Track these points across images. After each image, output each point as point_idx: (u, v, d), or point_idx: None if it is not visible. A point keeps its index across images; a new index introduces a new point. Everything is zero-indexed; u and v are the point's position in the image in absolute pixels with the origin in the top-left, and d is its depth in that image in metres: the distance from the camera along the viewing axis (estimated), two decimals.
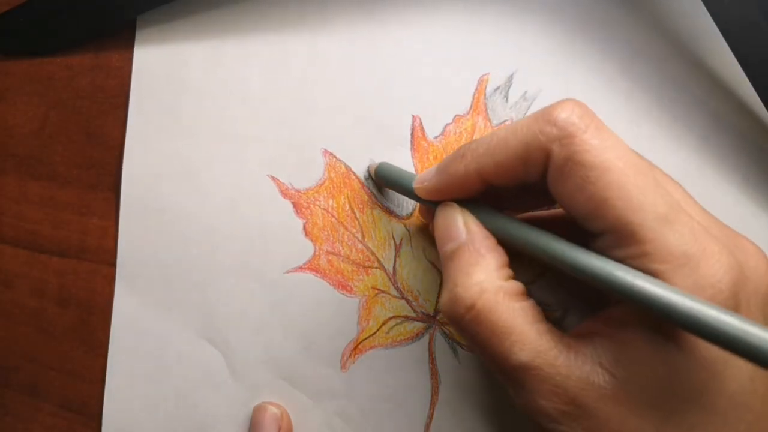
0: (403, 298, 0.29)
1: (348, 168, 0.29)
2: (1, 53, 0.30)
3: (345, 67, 0.28)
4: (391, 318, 0.29)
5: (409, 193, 0.25)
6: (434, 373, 0.29)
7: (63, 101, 0.30)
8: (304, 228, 0.29)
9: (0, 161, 0.31)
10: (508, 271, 0.21)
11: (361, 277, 0.29)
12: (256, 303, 0.29)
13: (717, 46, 0.26)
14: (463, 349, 0.29)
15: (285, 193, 0.29)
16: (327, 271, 0.29)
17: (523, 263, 0.27)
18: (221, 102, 0.29)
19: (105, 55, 0.30)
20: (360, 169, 0.29)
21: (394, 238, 0.29)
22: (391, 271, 0.29)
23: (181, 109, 0.29)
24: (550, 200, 0.25)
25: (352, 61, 0.28)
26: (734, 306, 0.19)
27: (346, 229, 0.29)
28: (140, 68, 0.29)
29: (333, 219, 0.29)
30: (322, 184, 0.29)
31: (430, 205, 0.24)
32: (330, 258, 0.29)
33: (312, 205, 0.29)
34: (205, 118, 0.29)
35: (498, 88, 0.28)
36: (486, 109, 0.28)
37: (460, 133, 0.28)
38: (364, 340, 0.29)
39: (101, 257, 0.30)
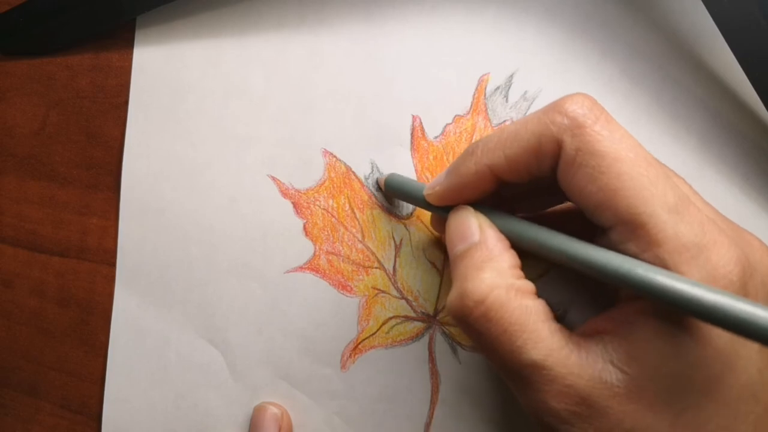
0: (403, 298, 0.29)
1: (348, 168, 0.29)
2: (1, 53, 0.30)
3: (345, 68, 0.28)
4: (391, 318, 0.29)
5: (420, 201, 0.25)
6: (434, 373, 0.29)
7: (63, 101, 0.30)
8: (304, 228, 0.29)
9: (0, 161, 0.31)
10: (520, 272, 0.21)
11: (361, 277, 0.29)
12: (256, 303, 0.29)
13: (717, 46, 0.26)
14: (463, 349, 0.29)
15: (285, 193, 0.29)
16: (327, 271, 0.29)
17: (526, 264, 0.27)
18: (221, 102, 0.29)
19: (105, 55, 0.30)
20: (360, 169, 0.29)
21: (394, 238, 0.29)
22: (391, 271, 0.29)
23: (180, 109, 0.29)
24: (558, 200, 0.25)
25: (352, 62, 0.28)
26: (744, 296, 0.19)
27: (346, 229, 0.29)
28: (140, 68, 0.29)
29: (333, 219, 0.29)
30: (322, 184, 0.29)
31: (442, 213, 0.24)
32: (330, 258, 0.29)
33: (312, 205, 0.29)
34: (205, 118, 0.29)
35: (498, 88, 0.28)
36: (486, 109, 0.28)
37: (460, 133, 0.28)
38: (364, 340, 0.29)
39: (101, 257, 0.30)
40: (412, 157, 0.28)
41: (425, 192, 0.24)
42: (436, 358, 0.29)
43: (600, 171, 0.19)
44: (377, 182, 0.28)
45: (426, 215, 0.28)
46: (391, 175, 0.27)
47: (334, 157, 0.29)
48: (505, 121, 0.28)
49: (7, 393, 0.31)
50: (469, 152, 0.22)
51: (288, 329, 0.29)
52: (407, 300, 0.29)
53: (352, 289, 0.29)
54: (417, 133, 0.28)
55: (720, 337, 0.19)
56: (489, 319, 0.20)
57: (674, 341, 0.19)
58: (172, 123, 0.29)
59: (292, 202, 0.29)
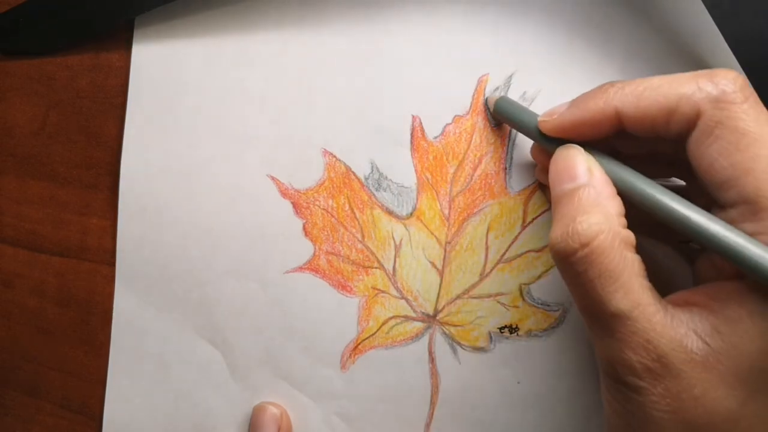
0: (403, 298, 0.29)
1: (348, 168, 0.29)
2: (1, 53, 0.30)
3: (345, 67, 0.28)
4: (391, 318, 0.29)
5: (529, 129, 0.24)
6: (434, 373, 0.29)
7: (63, 101, 0.30)
8: (304, 228, 0.29)
9: (0, 161, 0.31)
10: (624, 221, 0.21)
11: (361, 277, 0.29)
12: (255, 303, 0.29)
13: (717, 46, 0.26)
14: (463, 349, 0.29)
15: (285, 193, 0.29)
16: (327, 271, 0.29)
17: (526, 262, 0.27)
18: (220, 102, 0.29)
19: (105, 55, 0.30)
20: (360, 169, 0.29)
21: (394, 238, 0.29)
22: (391, 271, 0.29)
23: (179, 109, 0.29)
24: (667, 171, 0.25)
25: (352, 62, 0.28)
26: None
27: (346, 229, 0.29)
28: (138, 68, 0.29)
29: (333, 219, 0.29)
30: (322, 184, 0.29)
31: (549, 145, 0.24)
32: (330, 258, 0.29)
33: (312, 205, 0.29)
34: (204, 118, 0.29)
35: (497, 88, 0.28)
36: (486, 110, 0.28)
37: (460, 133, 0.28)
38: (364, 340, 0.29)
39: (101, 257, 0.30)
40: (412, 157, 0.28)
41: (540, 118, 0.24)
42: (436, 358, 0.29)
43: (737, 148, 0.19)
44: (486, 102, 0.28)
45: (424, 215, 0.28)
46: (502, 98, 0.27)
47: (334, 157, 0.29)
48: None
49: (7, 393, 0.31)
50: (602, 90, 0.22)
51: (288, 329, 0.29)
52: (407, 300, 0.29)
53: (352, 289, 0.29)
54: (417, 133, 0.28)
55: None
56: (590, 262, 0.20)
57: (764, 325, 0.19)
58: (171, 123, 0.29)
59: (292, 202, 0.29)
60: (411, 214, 0.29)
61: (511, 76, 0.28)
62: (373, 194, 0.29)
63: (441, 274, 0.29)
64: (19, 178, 0.31)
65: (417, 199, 0.28)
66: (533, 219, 0.28)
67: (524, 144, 0.28)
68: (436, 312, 0.29)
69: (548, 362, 0.29)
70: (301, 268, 0.29)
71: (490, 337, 0.29)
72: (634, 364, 0.20)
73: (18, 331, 0.31)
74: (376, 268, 0.29)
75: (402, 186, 0.28)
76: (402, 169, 0.28)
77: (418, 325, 0.29)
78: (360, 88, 0.28)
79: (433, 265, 0.29)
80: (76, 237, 0.30)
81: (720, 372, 0.19)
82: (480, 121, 0.28)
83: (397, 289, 0.29)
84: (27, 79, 0.30)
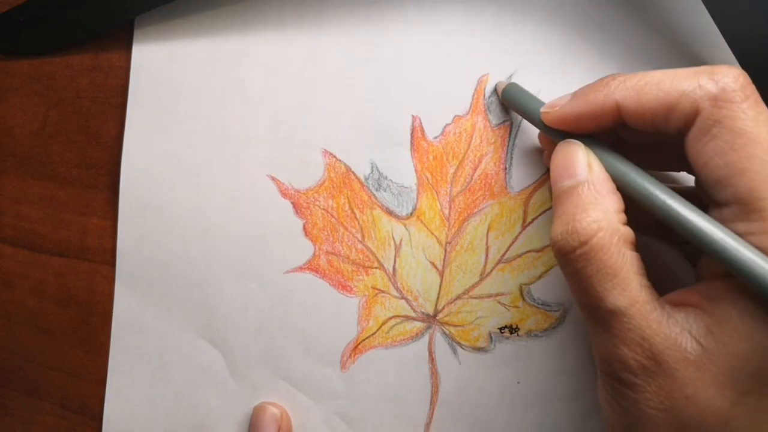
0: (403, 298, 0.29)
1: (348, 168, 0.29)
2: (1, 53, 0.30)
3: (344, 67, 0.28)
4: (391, 318, 0.29)
5: (534, 118, 0.25)
6: (434, 373, 0.29)
7: (63, 101, 0.30)
8: (304, 228, 0.29)
9: (0, 161, 0.31)
10: (624, 217, 0.21)
11: (361, 277, 0.29)
12: (255, 303, 0.29)
13: (717, 46, 0.26)
14: (463, 349, 0.29)
15: (285, 193, 0.29)
16: (327, 271, 0.29)
17: (526, 262, 0.27)
18: (220, 102, 0.29)
19: (105, 55, 0.30)
20: (360, 169, 0.29)
21: (394, 238, 0.29)
22: (391, 271, 0.29)
23: (179, 109, 0.29)
24: (668, 164, 0.25)
25: (352, 62, 0.28)
26: None
27: (346, 229, 0.29)
28: (138, 68, 0.29)
29: (333, 219, 0.29)
30: (322, 184, 0.29)
31: (553, 135, 0.24)
32: (330, 258, 0.29)
33: (312, 205, 0.29)
34: (204, 118, 0.29)
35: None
36: (485, 110, 0.28)
37: (460, 133, 0.28)
38: (364, 340, 0.29)
39: (101, 257, 0.30)
40: (412, 157, 0.28)
41: (543, 109, 0.24)
42: (436, 358, 0.29)
43: (732, 148, 0.19)
44: (495, 88, 0.28)
45: (424, 215, 0.28)
46: (511, 84, 0.27)
47: (334, 157, 0.29)
48: (504, 121, 0.28)
49: (7, 393, 0.31)
50: (603, 83, 0.22)
51: (288, 329, 0.29)
52: (407, 300, 0.29)
53: (352, 289, 0.29)
54: (417, 133, 0.28)
55: None
56: (588, 259, 0.20)
57: (755, 324, 0.19)
58: (171, 123, 0.29)
59: (292, 202, 0.29)
60: (411, 214, 0.29)
61: (511, 76, 0.28)
62: (373, 194, 0.29)
63: (441, 274, 0.29)
64: (19, 178, 0.31)
65: (417, 199, 0.28)
66: (533, 219, 0.28)
67: (524, 144, 0.28)
68: (436, 312, 0.29)
69: (548, 362, 0.29)
70: (301, 268, 0.29)
71: (490, 337, 0.29)
72: (629, 360, 0.20)
73: (18, 331, 0.31)
74: (376, 268, 0.29)
75: (402, 186, 0.28)
76: (402, 169, 0.28)
77: (418, 325, 0.29)
78: (360, 88, 0.28)
79: (433, 265, 0.29)
80: (76, 237, 0.30)
81: (712, 372, 0.19)
82: (480, 121, 0.28)
83: (397, 289, 0.29)
84: (27, 79, 0.30)
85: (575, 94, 0.23)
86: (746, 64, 0.25)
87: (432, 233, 0.28)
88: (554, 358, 0.29)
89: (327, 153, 0.29)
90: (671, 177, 0.27)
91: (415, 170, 0.28)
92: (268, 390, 0.29)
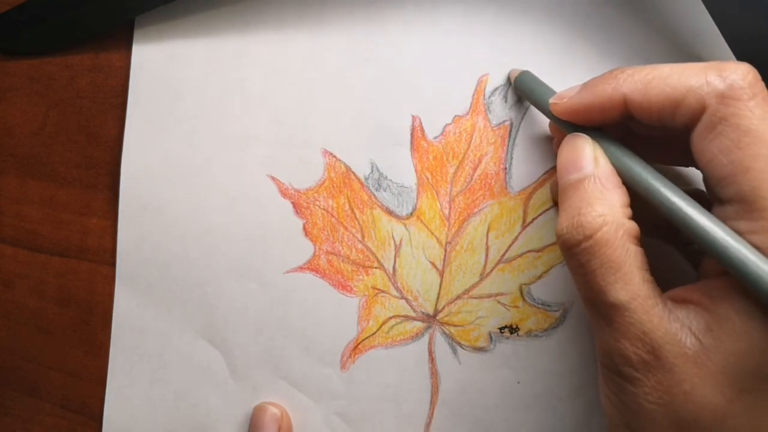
0: (403, 298, 0.29)
1: (348, 168, 0.29)
2: (1, 53, 0.30)
3: (344, 67, 0.28)
4: (391, 318, 0.29)
5: (544, 108, 0.25)
6: (434, 373, 0.29)
7: (63, 101, 0.30)
8: (304, 228, 0.29)
9: (0, 161, 0.31)
10: (629, 211, 0.21)
11: (361, 277, 0.29)
12: (255, 303, 0.29)
13: (717, 46, 0.26)
14: (463, 349, 0.29)
15: (285, 193, 0.29)
16: (327, 271, 0.29)
17: (526, 262, 0.27)
18: (220, 102, 0.29)
19: (105, 55, 0.30)
20: (360, 169, 0.29)
21: (394, 238, 0.29)
22: (391, 271, 0.29)
23: (179, 109, 0.29)
24: (678, 158, 0.25)
25: (352, 62, 0.28)
26: None
27: (346, 229, 0.29)
28: (138, 68, 0.29)
29: (333, 219, 0.29)
30: (322, 184, 0.29)
31: (562, 125, 0.24)
32: (330, 258, 0.29)
33: (312, 205, 0.29)
34: (204, 118, 0.29)
35: (497, 88, 0.28)
36: (485, 110, 0.28)
37: (460, 133, 0.28)
38: (363, 340, 0.29)
39: (101, 257, 0.30)
40: (412, 157, 0.28)
41: (551, 100, 0.24)
42: (436, 358, 0.29)
43: (737, 146, 0.19)
44: (508, 76, 0.28)
45: (424, 215, 0.28)
46: (524, 73, 0.27)
47: (334, 157, 0.29)
48: (504, 121, 0.28)
49: (7, 393, 0.31)
50: (612, 76, 0.22)
51: (288, 329, 0.29)
52: (407, 300, 0.29)
53: (352, 289, 0.29)
54: (417, 133, 0.28)
55: None
56: (592, 253, 0.20)
57: (754, 324, 0.19)
58: (171, 123, 0.29)
59: (292, 202, 0.29)
60: (411, 214, 0.29)
61: (509, 76, 0.28)
62: (373, 194, 0.29)
63: (441, 274, 0.29)
64: (19, 178, 0.31)
65: (417, 199, 0.28)
66: (533, 219, 0.28)
67: (524, 144, 0.28)
68: (436, 312, 0.29)
69: (548, 362, 0.29)
70: (301, 268, 0.29)
71: (491, 337, 0.29)
72: (629, 354, 0.20)
73: (18, 331, 0.31)
74: (376, 268, 0.29)
75: (402, 186, 0.28)
76: (402, 169, 0.28)
77: (418, 324, 0.29)
78: (360, 88, 0.28)
79: (433, 265, 0.29)
80: (76, 237, 0.30)
81: (709, 369, 0.19)
82: (480, 121, 0.28)
83: (397, 289, 0.29)
84: (27, 79, 0.30)
85: (584, 86, 0.23)
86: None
87: (432, 233, 0.28)
88: (554, 358, 0.29)
89: (327, 153, 0.29)
90: (683, 177, 0.27)
91: (415, 170, 0.28)
92: (268, 390, 0.29)
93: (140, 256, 0.30)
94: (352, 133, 0.28)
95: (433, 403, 0.29)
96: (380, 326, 0.29)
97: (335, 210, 0.29)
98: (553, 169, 0.28)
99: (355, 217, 0.29)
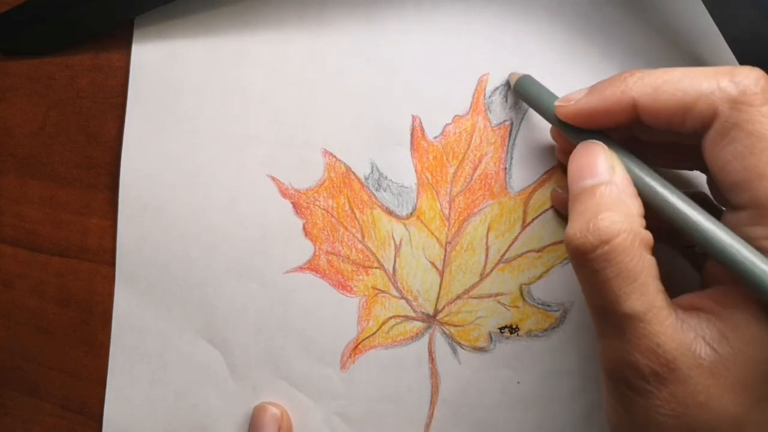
0: (403, 298, 0.29)
1: (348, 168, 0.29)
2: (1, 53, 0.30)
3: (344, 68, 0.28)
4: (391, 318, 0.29)
5: (547, 113, 0.24)
6: (434, 373, 0.29)
7: (63, 101, 0.30)
8: (304, 228, 0.29)
9: (0, 161, 0.31)
10: (644, 221, 0.21)
11: (361, 277, 0.29)
12: (255, 303, 0.29)
13: (717, 46, 0.26)
14: (463, 349, 0.29)
15: (285, 193, 0.29)
16: (327, 271, 0.29)
17: (526, 262, 0.27)
18: (220, 102, 0.29)
19: (105, 55, 0.30)
20: (360, 169, 0.29)
21: (394, 238, 0.29)
22: (391, 271, 0.29)
23: (179, 109, 0.29)
24: (685, 163, 0.25)
25: (352, 61, 0.28)
26: None
27: (346, 229, 0.29)
28: (138, 68, 0.29)
29: (333, 219, 0.29)
30: (322, 184, 0.29)
31: (566, 131, 0.23)
32: (330, 258, 0.29)
33: (312, 205, 0.29)
34: (204, 118, 0.29)
35: (497, 88, 0.28)
36: (486, 110, 0.28)
37: (460, 133, 0.28)
38: (363, 340, 0.29)
39: (101, 257, 0.30)
40: (412, 157, 0.28)
41: (557, 103, 0.23)
42: (436, 358, 0.29)
43: (751, 152, 0.19)
44: (508, 79, 0.27)
45: (424, 216, 0.28)
46: (525, 76, 0.26)
47: (334, 157, 0.29)
48: (504, 121, 0.28)
49: (7, 393, 0.31)
50: (621, 79, 0.21)
51: (288, 329, 0.29)
52: (407, 300, 0.29)
53: (352, 289, 0.29)
54: (417, 133, 0.28)
55: None
56: (608, 261, 0.20)
57: None
58: (171, 123, 0.29)
59: (292, 202, 0.29)
60: (411, 214, 0.29)
61: (509, 76, 0.28)
62: (373, 194, 0.29)
63: (441, 274, 0.29)
64: (19, 178, 0.31)
65: (417, 199, 0.28)
66: (533, 219, 0.28)
67: (524, 144, 0.28)
68: (436, 312, 0.29)
69: (548, 362, 0.29)
70: (301, 268, 0.29)
71: (490, 337, 0.29)
72: (641, 367, 0.19)
73: (18, 331, 0.31)
74: (376, 268, 0.29)
75: (402, 186, 0.28)
76: (402, 169, 0.28)
77: (418, 325, 0.29)
78: (360, 88, 0.28)
79: (433, 265, 0.29)
80: (76, 237, 0.30)
81: (726, 378, 0.19)
82: (480, 121, 0.28)
83: (397, 289, 0.29)
84: (27, 79, 0.30)
85: (592, 89, 0.22)
86: (746, 64, 0.25)
87: (432, 233, 0.28)
88: (554, 358, 0.29)
89: (327, 153, 0.29)
90: (682, 179, 0.27)
91: (415, 170, 0.28)
92: (268, 390, 0.29)
93: (140, 256, 0.30)
94: (352, 133, 0.28)
95: (433, 403, 0.29)
96: (380, 326, 0.29)
97: (335, 210, 0.29)
98: (554, 169, 0.28)
99: (355, 217, 0.29)
